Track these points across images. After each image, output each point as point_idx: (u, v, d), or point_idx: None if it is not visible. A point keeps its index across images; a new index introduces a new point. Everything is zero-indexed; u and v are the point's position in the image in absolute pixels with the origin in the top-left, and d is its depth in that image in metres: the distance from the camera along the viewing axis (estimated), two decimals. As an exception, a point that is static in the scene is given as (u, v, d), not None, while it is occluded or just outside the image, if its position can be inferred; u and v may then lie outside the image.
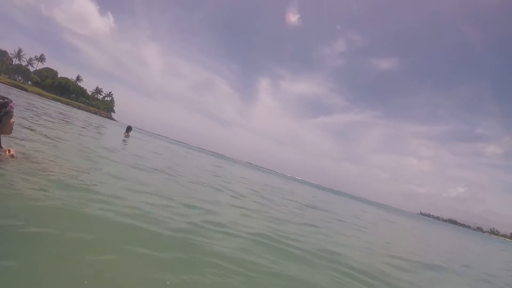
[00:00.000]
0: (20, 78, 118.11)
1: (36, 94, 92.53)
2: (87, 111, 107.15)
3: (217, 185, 9.54)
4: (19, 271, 1.94)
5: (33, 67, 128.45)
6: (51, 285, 1.94)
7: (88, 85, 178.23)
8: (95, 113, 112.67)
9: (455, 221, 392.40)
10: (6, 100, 3.80)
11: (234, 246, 3.80)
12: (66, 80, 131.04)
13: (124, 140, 16.75)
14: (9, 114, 3.80)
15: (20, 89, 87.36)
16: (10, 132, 3.98)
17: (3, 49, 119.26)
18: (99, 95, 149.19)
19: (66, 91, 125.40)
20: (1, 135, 3.97)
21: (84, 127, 17.31)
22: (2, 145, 4.02)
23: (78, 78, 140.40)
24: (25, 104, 19.02)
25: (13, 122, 3.93)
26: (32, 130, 7.76)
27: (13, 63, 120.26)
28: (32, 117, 12.15)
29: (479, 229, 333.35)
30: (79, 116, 34.51)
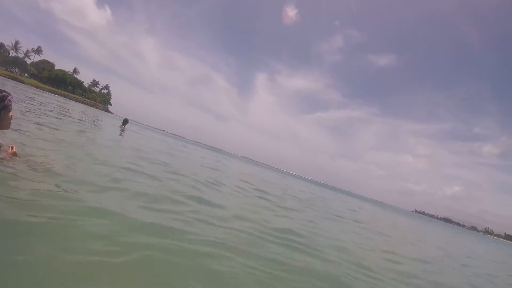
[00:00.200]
0: (17, 70, 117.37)
1: (33, 86, 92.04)
2: (84, 103, 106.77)
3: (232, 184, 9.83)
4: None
5: (30, 59, 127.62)
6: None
7: (85, 78, 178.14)
8: (92, 106, 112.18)
9: (450, 219, 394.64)
10: (4, 93, 3.67)
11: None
12: (63, 72, 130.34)
13: (120, 134, 16.78)
14: (7, 108, 3.69)
15: (17, 81, 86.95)
16: (8, 127, 3.87)
17: (0, 41, 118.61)
18: (95, 87, 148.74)
19: (63, 83, 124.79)
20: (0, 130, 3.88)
21: (80, 120, 17.52)
22: (1, 141, 3.94)
23: (75, 71, 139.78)
24: (22, 97, 19.15)
25: (11, 116, 3.82)
26: (29, 124, 7.97)
27: (10, 55, 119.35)
28: (29, 110, 12.34)
29: (473, 228, 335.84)
30: (76, 108, 34.57)
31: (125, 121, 21.40)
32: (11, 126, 3.97)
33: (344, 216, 13.04)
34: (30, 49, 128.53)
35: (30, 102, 17.13)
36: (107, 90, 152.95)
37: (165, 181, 6.44)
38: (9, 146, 4.01)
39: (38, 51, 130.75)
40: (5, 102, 3.64)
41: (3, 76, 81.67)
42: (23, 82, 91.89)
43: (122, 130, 19.51)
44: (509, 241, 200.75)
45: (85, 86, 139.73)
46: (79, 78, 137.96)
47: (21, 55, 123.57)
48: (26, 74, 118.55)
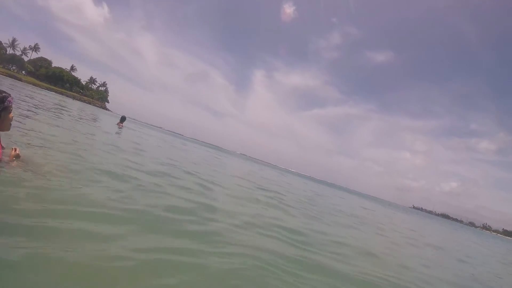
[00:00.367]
0: (14, 67, 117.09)
1: (30, 83, 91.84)
2: (82, 101, 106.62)
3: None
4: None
5: (27, 56, 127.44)
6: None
7: (82, 75, 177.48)
8: (89, 103, 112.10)
9: (448, 215, 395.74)
10: (4, 94, 3.57)
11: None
12: (60, 70, 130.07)
13: (118, 133, 16.65)
14: (7, 109, 3.59)
15: (14, 78, 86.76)
16: (8, 128, 3.75)
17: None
18: (93, 85, 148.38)
19: (60, 81, 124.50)
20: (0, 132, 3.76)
21: (80, 119, 17.54)
22: (3, 143, 3.83)
23: (72, 68, 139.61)
24: (21, 96, 19.13)
25: (11, 117, 3.72)
26: (28, 123, 8.03)
27: (7, 52, 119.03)
28: (28, 109, 12.38)
29: (471, 224, 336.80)
30: (74, 106, 34.52)
31: (123, 119, 21.30)
32: (11, 128, 3.84)
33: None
34: (27, 46, 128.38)
35: (30, 99, 17.12)
36: (104, 88, 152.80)
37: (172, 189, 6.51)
38: (12, 148, 3.99)
39: (35, 48, 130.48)
40: (5, 103, 3.55)
41: (0, 74, 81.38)
42: (20, 80, 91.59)
43: (120, 128, 19.50)
44: (507, 237, 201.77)
45: (82, 84, 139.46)
46: (76, 76, 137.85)
47: (18, 53, 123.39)
48: (23, 72, 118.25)
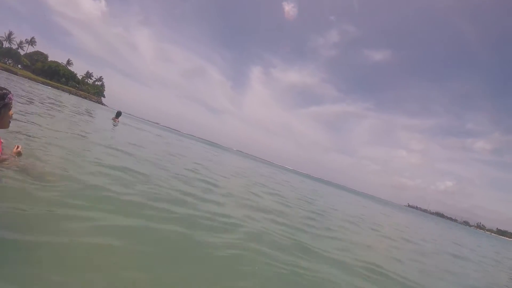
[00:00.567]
0: (10, 61, 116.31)
1: (26, 77, 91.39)
2: (77, 95, 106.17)
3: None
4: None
5: (24, 50, 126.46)
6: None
7: (79, 70, 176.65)
8: (85, 98, 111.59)
9: (442, 214, 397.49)
10: (4, 91, 3.52)
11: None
12: (57, 64, 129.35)
13: (113, 129, 16.42)
14: (7, 106, 3.55)
15: (10, 72, 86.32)
16: (8, 126, 3.71)
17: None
18: (89, 79, 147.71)
19: (56, 75, 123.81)
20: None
21: (76, 114, 17.57)
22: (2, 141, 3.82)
23: (68, 62, 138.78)
24: (15, 90, 19.13)
25: (11, 114, 3.68)
26: (23, 119, 8.11)
27: (3, 46, 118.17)
28: (25, 104, 12.45)
29: (465, 223, 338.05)
30: (70, 101, 34.42)
31: (118, 114, 21.29)
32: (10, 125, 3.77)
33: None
34: (23, 40, 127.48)
35: (27, 94, 17.13)
36: (100, 82, 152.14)
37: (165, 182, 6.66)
38: (15, 146, 4.01)
39: (32, 42, 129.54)
40: (6, 100, 3.51)
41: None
42: (16, 74, 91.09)
43: (115, 123, 19.53)
44: (501, 236, 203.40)
45: (78, 78, 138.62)
46: (72, 70, 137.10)
47: (14, 46, 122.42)
48: (19, 66, 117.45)
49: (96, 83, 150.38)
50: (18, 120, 6.89)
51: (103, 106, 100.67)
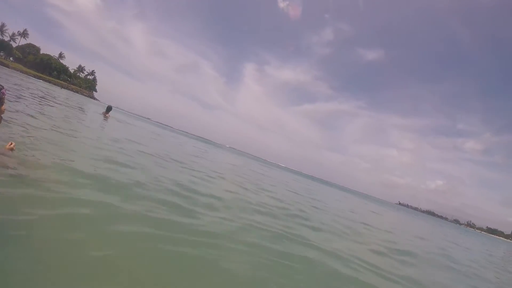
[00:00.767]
0: (2, 53, 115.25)
1: (17, 70, 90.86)
2: (69, 89, 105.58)
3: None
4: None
5: (16, 43, 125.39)
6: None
7: (71, 63, 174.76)
8: (77, 92, 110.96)
9: (433, 212, 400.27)
10: None
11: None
12: (49, 57, 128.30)
13: (103, 125, 15.96)
14: (1, 101, 3.54)
15: (2, 65, 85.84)
16: (0, 121, 3.76)
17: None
18: (81, 73, 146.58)
19: (48, 68, 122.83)
20: None
21: (66, 106, 17.76)
22: None
23: (60, 55, 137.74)
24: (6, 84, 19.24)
25: (4, 109, 3.68)
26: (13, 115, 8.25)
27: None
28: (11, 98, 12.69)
29: (456, 221, 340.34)
30: (61, 95, 34.36)
31: (109, 108, 21.28)
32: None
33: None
34: (16, 32, 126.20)
35: (18, 89, 17.21)
36: (92, 76, 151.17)
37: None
38: (9, 143, 4.05)
39: (24, 34, 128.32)
40: None
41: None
42: (7, 66, 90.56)
43: (105, 118, 19.65)
44: (490, 235, 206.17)
45: (70, 72, 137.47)
46: (64, 63, 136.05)
47: (6, 38, 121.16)
48: (11, 58, 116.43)
49: (88, 77, 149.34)
50: (8, 117, 7.20)
51: (94, 101, 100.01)
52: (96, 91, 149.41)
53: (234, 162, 27.11)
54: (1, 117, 3.77)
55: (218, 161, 21.64)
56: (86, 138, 8.80)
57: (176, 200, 5.36)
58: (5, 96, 3.65)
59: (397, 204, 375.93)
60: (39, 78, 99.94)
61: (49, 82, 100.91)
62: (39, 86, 38.30)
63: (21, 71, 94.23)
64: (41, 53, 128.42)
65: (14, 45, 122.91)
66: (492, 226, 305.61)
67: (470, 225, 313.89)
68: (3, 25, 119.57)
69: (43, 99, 17.55)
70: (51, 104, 16.53)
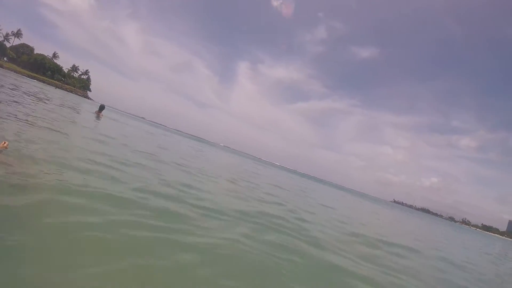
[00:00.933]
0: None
1: (11, 70, 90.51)
2: (63, 89, 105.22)
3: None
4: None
5: (9, 42, 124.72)
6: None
7: (65, 63, 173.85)
8: (71, 92, 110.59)
9: (428, 210, 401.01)
10: None
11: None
12: (43, 57, 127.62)
13: (95, 125, 15.81)
14: None
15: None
16: None
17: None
18: (75, 73, 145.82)
19: (42, 68, 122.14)
20: None
21: (61, 105, 17.95)
22: None
23: (54, 55, 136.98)
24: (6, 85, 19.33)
25: None
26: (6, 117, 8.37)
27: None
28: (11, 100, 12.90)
29: (451, 218, 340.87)
30: (55, 95, 34.42)
31: (102, 107, 21.31)
32: None
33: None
34: (9, 32, 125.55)
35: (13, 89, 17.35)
36: (86, 76, 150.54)
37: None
38: (2, 142, 4.19)
39: (18, 34, 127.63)
40: None
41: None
42: (1, 66, 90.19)
43: (98, 117, 19.71)
44: (485, 232, 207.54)
45: (64, 71, 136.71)
46: (58, 63, 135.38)
47: (0, 39, 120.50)
48: (5, 58, 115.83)
49: (82, 76, 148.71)
50: (0, 117, 7.46)
51: (88, 100, 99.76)
52: (90, 90, 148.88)
53: (228, 161, 27.33)
54: None
55: (211, 160, 21.82)
56: (77, 137, 9.08)
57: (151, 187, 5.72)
58: None
59: (392, 201, 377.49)
60: (33, 78, 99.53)
61: (43, 82, 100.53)
62: (33, 86, 38.38)
63: (15, 71, 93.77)
64: (35, 53, 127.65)
65: (8, 45, 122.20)
66: (487, 223, 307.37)
67: (465, 222, 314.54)
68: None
69: (37, 99, 17.71)
70: (45, 104, 16.69)
